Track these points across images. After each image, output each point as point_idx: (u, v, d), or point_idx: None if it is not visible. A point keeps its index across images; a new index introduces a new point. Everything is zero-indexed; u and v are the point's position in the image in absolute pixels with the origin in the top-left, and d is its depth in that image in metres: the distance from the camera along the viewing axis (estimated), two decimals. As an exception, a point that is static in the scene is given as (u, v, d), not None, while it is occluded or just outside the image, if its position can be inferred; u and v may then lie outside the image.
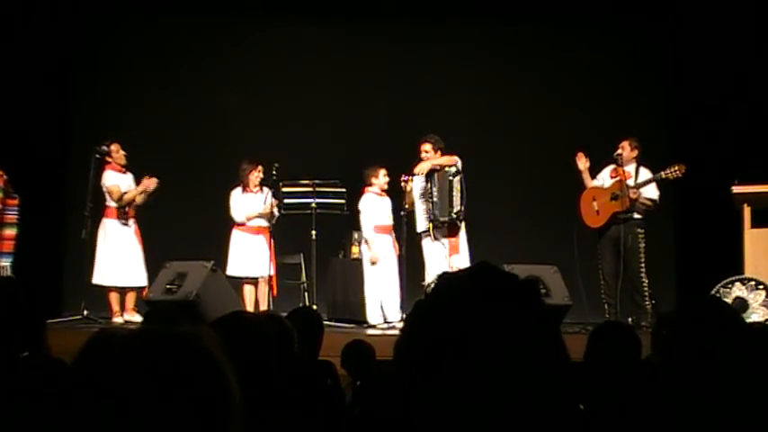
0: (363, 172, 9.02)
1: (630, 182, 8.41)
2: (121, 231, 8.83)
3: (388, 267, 8.85)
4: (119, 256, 8.79)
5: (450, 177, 8.52)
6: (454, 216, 8.48)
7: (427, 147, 8.65)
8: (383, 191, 9.01)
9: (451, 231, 8.58)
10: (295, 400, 2.90)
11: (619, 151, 8.51)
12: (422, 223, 8.65)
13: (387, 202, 9.01)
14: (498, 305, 1.17)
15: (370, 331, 8.41)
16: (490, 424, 1.13)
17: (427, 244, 8.64)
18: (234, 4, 10.80)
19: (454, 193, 8.49)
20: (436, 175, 8.60)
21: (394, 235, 8.98)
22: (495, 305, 1.17)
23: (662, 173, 8.28)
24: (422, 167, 8.61)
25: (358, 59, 10.74)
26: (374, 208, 8.96)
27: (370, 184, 8.99)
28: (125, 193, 8.85)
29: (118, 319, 8.68)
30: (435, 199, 8.54)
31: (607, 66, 10.60)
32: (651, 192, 8.48)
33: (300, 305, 8.57)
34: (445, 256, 8.52)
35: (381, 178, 8.98)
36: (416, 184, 8.70)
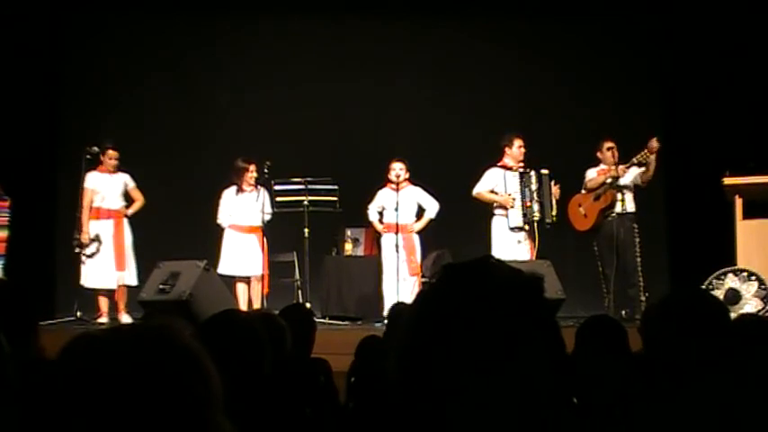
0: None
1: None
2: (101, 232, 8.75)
3: (390, 266, 8.85)
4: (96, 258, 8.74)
5: (547, 181, 8.62)
6: (553, 220, 8.61)
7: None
8: (396, 184, 8.86)
9: (532, 235, 8.61)
10: (288, 398, 2.90)
11: (607, 151, 8.61)
12: (516, 219, 8.63)
13: (395, 197, 8.83)
14: (502, 298, 1.17)
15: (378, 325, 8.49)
16: (495, 416, 1.13)
17: (513, 243, 8.61)
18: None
19: (551, 196, 8.61)
20: (533, 176, 8.66)
21: (403, 235, 8.78)
22: (499, 298, 1.16)
23: (633, 159, 8.40)
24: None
25: (355, 55, 10.71)
26: (381, 201, 9.09)
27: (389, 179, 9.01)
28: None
29: (103, 320, 8.65)
30: (542, 199, 8.60)
31: (598, 59, 10.60)
32: (632, 176, 8.58)
33: (294, 303, 8.56)
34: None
35: (391, 171, 8.93)
36: (510, 181, 8.68)
